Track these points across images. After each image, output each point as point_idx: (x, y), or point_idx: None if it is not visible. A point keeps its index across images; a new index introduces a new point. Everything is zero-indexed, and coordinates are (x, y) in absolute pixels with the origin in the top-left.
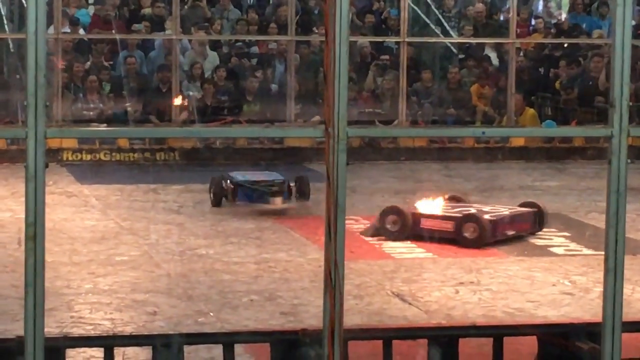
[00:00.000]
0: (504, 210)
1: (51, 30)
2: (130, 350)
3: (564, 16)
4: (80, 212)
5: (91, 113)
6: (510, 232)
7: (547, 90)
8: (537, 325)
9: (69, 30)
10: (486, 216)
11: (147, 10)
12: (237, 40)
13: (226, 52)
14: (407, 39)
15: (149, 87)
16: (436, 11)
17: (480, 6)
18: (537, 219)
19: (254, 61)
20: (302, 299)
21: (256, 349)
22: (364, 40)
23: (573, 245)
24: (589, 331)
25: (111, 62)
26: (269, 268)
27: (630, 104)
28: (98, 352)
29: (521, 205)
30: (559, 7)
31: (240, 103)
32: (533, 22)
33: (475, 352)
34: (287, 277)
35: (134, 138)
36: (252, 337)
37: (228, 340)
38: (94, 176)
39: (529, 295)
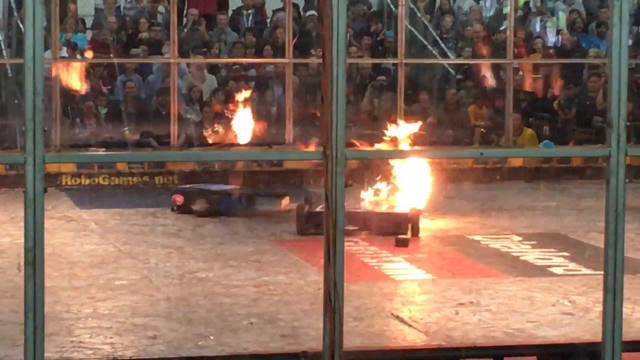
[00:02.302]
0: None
1: (48, 54)
2: None
3: (562, 36)
4: (80, 236)
5: (86, 135)
6: (349, 227)
7: (545, 110)
8: (537, 346)
9: (66, 55)
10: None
11: (144, 35)
12: (234, 63)
13: (224, 76)
14: (404, 61)
15: (147, 111)
16: (433, 32)
17: (477, 27)
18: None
19: (252, 84)
20: (302, 322)
21: None
22: (362, 62)
23: (572, 265)
24: (589, 351)
25: (109, 87)
26: (268, 291)
27: (628, 123)
28: None
29: None
30: (557, 26)
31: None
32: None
33: None
34: (287, 300)
35: (132, 162)
36: (253, 359)
37: None
38: (93, 200)
39: (529, 315)
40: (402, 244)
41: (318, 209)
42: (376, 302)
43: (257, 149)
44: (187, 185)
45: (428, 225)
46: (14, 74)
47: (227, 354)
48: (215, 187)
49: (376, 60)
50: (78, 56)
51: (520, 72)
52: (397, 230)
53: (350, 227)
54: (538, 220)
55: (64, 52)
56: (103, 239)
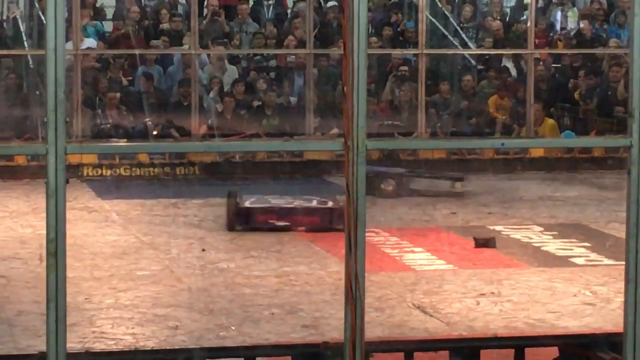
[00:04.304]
0: (284, 203)
1: (70, 45)
2: None
3: (581, 25)
4: (101, 227)
5: (109, 127)
6: (280, 223)
7: (566, 101)
8: (558, 336)
9: (90, 46)
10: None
11: (165, 26)
12: (255, 54)
13: (245, 67)
14: (425, 51)
15: (168, 102)
16: (454, 22)
17: (497, 24)
18: (330, 216)
19: (273, 75)
20: (323, 312)
21: None
22: (387, 52)
23: (594, 256)
24: (611, 341)
25: (130, 78)
26: (289, 281)
27: None
28: None
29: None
30: (577, 17)
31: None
32: (558, 30)
33: None
34: (308, 290)
35: (154, 153)
36: (274, 350)
37: (250, 353)
38: (115, 191)
39: (550, 306)
40: (485, 244)
41: (247, 204)
42: (397, 292)
43: (278, 140)
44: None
45: (449, 216)
46: (35, 65)
47: (248, 344)
48: (400, 170)
49: (397, 51)
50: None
51: (542, 63)
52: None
53: (281, 223)
54: (559, 211)
55: (86, 42)
56: (124, 229)
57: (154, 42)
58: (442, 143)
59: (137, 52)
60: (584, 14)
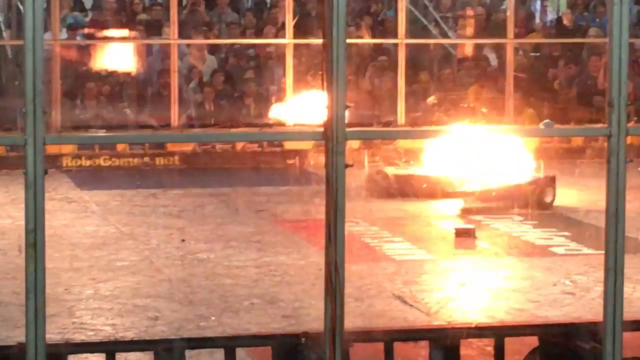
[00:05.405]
0: None
1: (48, 36)
2: (132, 356)
3: (564, 10)
4: (81, 217)
5: (88, 116)
6: None
7: (546, 90)
8: (538, 326)
9: (67, 36)
10: None
11: (143, 16)
12: (234, 43)
13: (224, 57)
14: (405, 41)
15: (146, 92)
16: (434, 12)
17: (479, 9)
18: None
19: (252, 64)
20: (303, 302)
21: (258, 353)
22: (362, 42)
23: (573, 245)
24: (590, 330)
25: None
26: (269, 271)
27: (629, 103)
28: (100, 358)
29: None
30: (557, 5)
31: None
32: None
33: (476, 353)
34: (288, 281)
35: (133, 143)
36: (254, 340)
37: (230, 344)
38: (94, 182)
39: (530, 295)
40: (465, 234)
41: None
42: (377, 282)
43: (257, 130)
44: None
45: (430, 206)
46: (14, 56)
47: (228, 334)
48: None
49: (377, 41)
50: (78, 37)
51: (521, 52)
52: None
53: None
54: None
55: (64, 33)
56: (104, 220)
57: (130, 33)
58: (422, 133)
59: (116, 42)
60: (570, 2)
